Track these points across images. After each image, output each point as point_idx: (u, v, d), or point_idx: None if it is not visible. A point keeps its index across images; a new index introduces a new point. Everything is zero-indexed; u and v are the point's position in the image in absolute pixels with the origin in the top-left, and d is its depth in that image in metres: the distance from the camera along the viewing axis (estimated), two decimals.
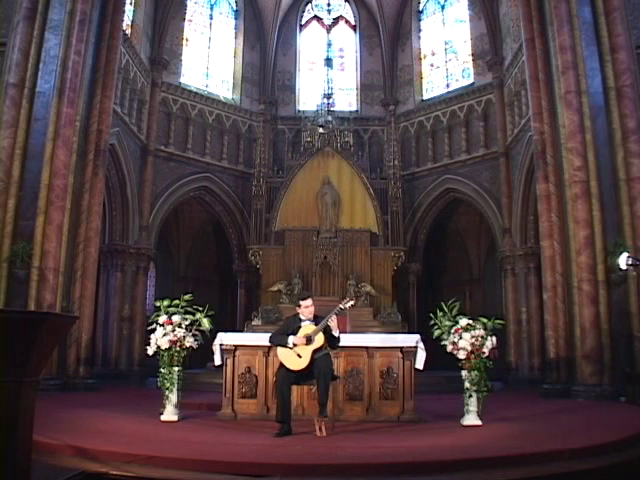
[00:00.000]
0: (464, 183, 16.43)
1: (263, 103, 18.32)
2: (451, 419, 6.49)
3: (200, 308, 6.70)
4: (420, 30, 18.76)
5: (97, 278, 11.60)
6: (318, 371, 5.57)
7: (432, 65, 18.46)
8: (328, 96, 16.38)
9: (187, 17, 17.78)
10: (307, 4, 19.84)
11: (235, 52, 18.73)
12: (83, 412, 6.92)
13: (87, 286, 10.74)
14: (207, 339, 6.78)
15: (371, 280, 15.29)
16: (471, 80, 17.19)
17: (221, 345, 6.79)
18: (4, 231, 9.49)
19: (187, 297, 6.71)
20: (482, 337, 6.30)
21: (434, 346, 6.72)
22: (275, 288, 15.09)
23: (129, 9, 14.78)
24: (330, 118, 16.07)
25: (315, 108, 16.84)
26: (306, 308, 5.88)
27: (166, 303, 6.67)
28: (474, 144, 16.45)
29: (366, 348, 6.85)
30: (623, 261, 8.43)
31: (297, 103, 18.96)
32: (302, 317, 5.89)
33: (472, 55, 17.29)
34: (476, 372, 6.31)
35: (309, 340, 5.62)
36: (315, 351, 5.61)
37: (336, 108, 16.91)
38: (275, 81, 18.84)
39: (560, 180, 10.45)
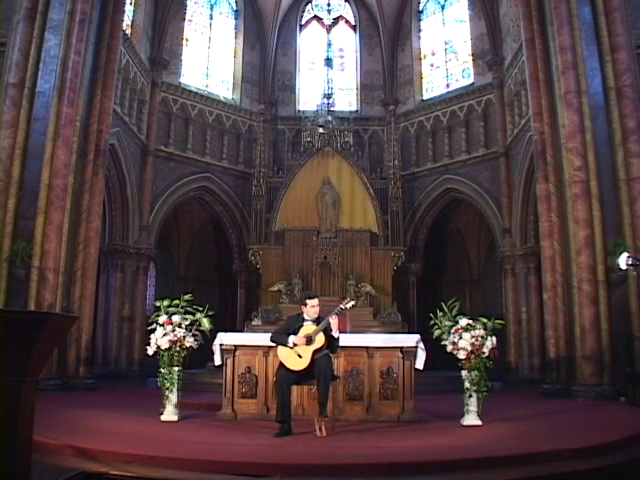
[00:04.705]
0: (464, 183, 16.44)
1: (263, 103, 18.33)
2: (451, 419, 6.48)
3: (200, 308, 6.70)
4: (420, 30, 18.76)
5: (97, 278, 11.59)
6: (318, 371, 5.56)
7: (432, 65, 18.47)
8: (328, 96, 16.38)
9: (187, 17, 17.80)
10: (307, 4, 19.85)
11: (235, 52, 18.74)
12: (83, 412, 6.91)
13: (87, 286, 10.74)
14: (207, 339, 6.77)
15: (371, 280, 15.30)
16: (471, 80, 17.20)
17: (221, 345, 6.79)
18: (4, 231, 9.48)
19: (187, 297, 6.70)
20: (482, 337, 6.29)
21: (434, 346, 6.72)
22: (275, 288, 15.10)
23: (129, 9, 14.79)
24: (330, 118, 16.07)
25: (315, 108, 16.82)
26: (312, 308, 5.86)
27: (166, 303, 6.67)
28: (474, 144, 16.45)
29: (366, 348, 6.84)
30: (623, 261, 8.42)
31: (297, 103, 18.97)
32: (305, 317, 5.88)
33: (472, 55, 17.30)
34: (476, 372, 6.30)
35: (309, 340, 5.62)
36: (315, 351, 5.61)
37: (336, 108, 16.90)
38: (275, 81, 18.84)
39: (560, 180, 10.45)
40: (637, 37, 10.36)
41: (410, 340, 6.87)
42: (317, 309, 5.88)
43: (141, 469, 4.00)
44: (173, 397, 6.45)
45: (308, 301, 5.89)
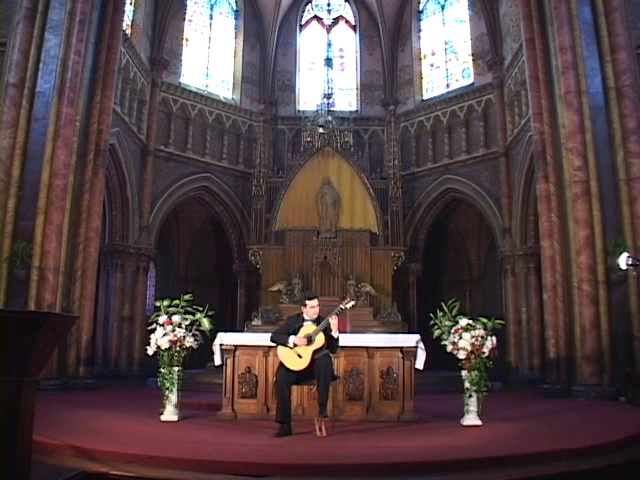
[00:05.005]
0: (464, 183, 16.44)
1: (263, 103, 18.33)
2: (451, 419, 6.49)
3: (200, 308, 6.70)
4: (420, 30, 18.76)
5: (97, 278, 11.59)
6: (318, 371, 5.57)
7: (432, 65, 18.47)
8: (328, 96, 16.38)
9: (187, 17, 17.80)
10: (307, 4, 19.85)
11: (235, 52, 18.74)
12: (83, 412, 6.92)
13: (87, 286, 10.73)
14: (207, 339, 6.77)
15: (371, 280, 15.28)
16: (471, 80, 17.20)
17: (221, 345, 6.79)
18: (4, 231, 9.47)
19: (187, 297, 6.70)
20: (482, 337, 6.30)
21: (434, 346, 6.72)
22: (275, 288, 15.09)
23: (129, 9, 14.78)
24: (330, 118, 16.07)
25: (315, 108, 16.84)
26: (312, 308, 5.86)
27: (166, 303, 6.67)
28: (474, 144, 16.45)
29: (366, 348, 6.84)
30: (623, 261, 8.41)
31: (297, 103, 18.97)
32: (305, 317, 5.88)
33: (472, 55, 17.30)
34: (476, 372, 6.30)
35: (309, 340, 5.62)
36: (315, 351, 5.61)
37: (336, 108, 16.91)
38: (275, 81, 18.85)
39: (560, 180, 10.44)
40: (637, 37, 10.35)
41: (410, 340, 6.87)
42: (317, 309, 5.88)
43: (141, 469, 4.00)
44: (173, 397, 6.46)
45: (307, 302, 5.90)
